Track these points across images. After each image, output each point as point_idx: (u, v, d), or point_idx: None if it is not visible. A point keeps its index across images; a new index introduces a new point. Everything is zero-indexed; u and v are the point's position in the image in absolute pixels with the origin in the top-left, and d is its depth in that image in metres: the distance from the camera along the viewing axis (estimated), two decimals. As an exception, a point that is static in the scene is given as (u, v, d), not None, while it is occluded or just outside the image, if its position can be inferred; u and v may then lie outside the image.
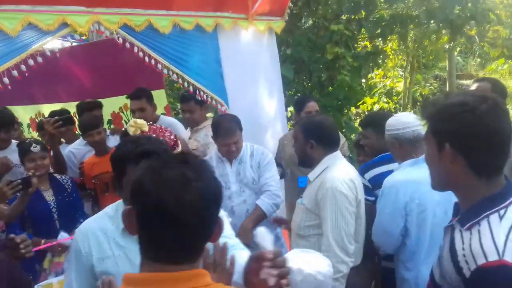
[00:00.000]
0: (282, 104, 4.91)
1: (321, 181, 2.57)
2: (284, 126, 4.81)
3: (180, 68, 3.80)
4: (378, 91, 13.41)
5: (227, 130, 3.21)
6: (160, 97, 4.93)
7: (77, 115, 4.43)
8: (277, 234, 3.36)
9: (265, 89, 4.57)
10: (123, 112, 5.20)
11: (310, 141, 2.65)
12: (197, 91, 3.94)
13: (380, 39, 6.71)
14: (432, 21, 6.52)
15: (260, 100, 4.50)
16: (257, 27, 4.39)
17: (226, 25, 4.08)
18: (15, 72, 2.88)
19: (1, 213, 3.10)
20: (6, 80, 2.84)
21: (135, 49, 3.52)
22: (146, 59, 3.59)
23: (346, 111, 6.61)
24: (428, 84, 15.97)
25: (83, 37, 6.30)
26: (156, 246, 1.11)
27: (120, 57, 4.91)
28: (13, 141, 3.95)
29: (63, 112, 4.32)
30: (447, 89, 13.52)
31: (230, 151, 3.24)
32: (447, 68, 13.75)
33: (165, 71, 3.75)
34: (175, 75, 3.79)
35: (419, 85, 15.19)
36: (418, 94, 15.00)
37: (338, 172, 2.58)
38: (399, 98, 13.94)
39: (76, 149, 4.16)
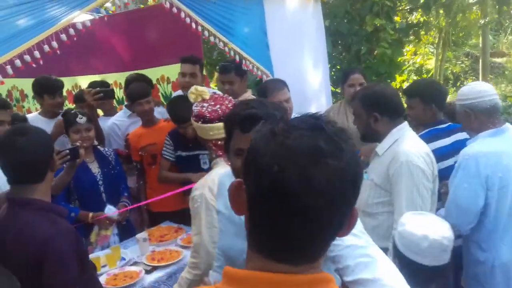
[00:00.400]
0: (327, 76, 4.70)
1: (393, 155, 2.34)
2: (329, 99, 4.60)
3: (227, 36, 3.61)
4: (408, 69, 12.99)
5: (277, 86, 3.02)
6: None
7: (122, 87, 4.27)
8: None
9: (310, 60, 4.35)
10: (159, 84, 5.03)
11: (373, 114, 2.40)
12: (243, 60, 3.75)
13: (419, 11, 6.38)
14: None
15: (305, 72, 4.29)
16: (304, -7, 4.16)
17: (273, -11, 3.86)
18: (46, 47, 2.73)
19: None
20: (37, 54, 2.70)
21: (182, 15, 3.35)
22: (193, 25, 3.42)
23: (387, 85, 6.33)
24: (459, 62, 15.46)
25: (110, 12, 6.11)
26: (268, 237, 0.82)
27: (157, 27, 4.76)
28: None
29: (104, 84, 4.18)
30: (480, 67, 13.01)
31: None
32: (480, 45, 13.22)
33: (211, 38, 3.56)
34: (221, 43, 3.60)
35: (450, 63, 14.68)
36: (450, 72, 14.53)
37: (411, 145, 2.35)
38: (429, 75, 13.50)
39: (119, 121, 4.04)
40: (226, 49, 3.66)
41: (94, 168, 3.40)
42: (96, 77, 5.09)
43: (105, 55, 5.20)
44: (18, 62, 2.63)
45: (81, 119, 3.27)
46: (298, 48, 4.23)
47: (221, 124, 2.01)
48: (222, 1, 3.58)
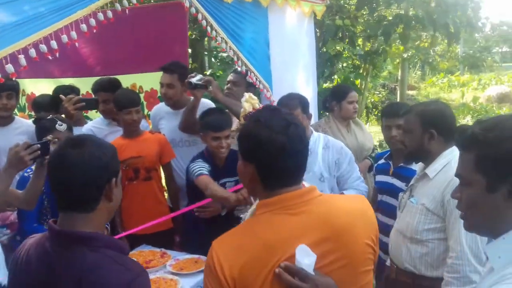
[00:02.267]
0: (316, 92, 4.63)
1: (447, 179, 2.21)
2: (316, 116, 4.51)
3: (236, 45, 3.40)
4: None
5: (289, 104, 2.79)
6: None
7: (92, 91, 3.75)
8: None
9: (303, 76, 4.27)
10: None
11: (430, 131, 2.30)
12: (249, 72, 3.55)
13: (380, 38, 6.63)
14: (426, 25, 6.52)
15: (298, 87, 4.17)
16: (303, 9, 4.07)
17: (278, 2, 3.72)
18: (64, 37, 2.32)
19: (16, 198, 2.47)
20: (54, 44, 2.28)
21: (199, 17, 3.07)
22: (208, 29, 3.17)
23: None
24: (377, 92, 16.48)
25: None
26: (277, 176, 1.37)
27: (136, 32, 4.34)
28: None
29: (74, 90, 3.70)
30: (398, 98, 13.96)
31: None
32: (399, 77, 14.22)
33: (223, 45, 3.32)
34: (232, 51, 3.37)
35: (369, 92, 15.56)
36: (369, 101, 15.39)
37: None
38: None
39: (97, 128, 3.53)
40: (235, 58, 3.43)
41: None
42: (48, 81, 4.53)
43: (66, 57, 4.60)
44: (32, 52, 2.17)
45: (61, 126, 2.80)
46: (294, 63, 4.13)
47: None
48: (235, 7, 3.36)
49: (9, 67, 2.09)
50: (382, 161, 3.08)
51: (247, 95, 2.26)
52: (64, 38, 2.29)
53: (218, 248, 1.34)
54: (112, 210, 1.53)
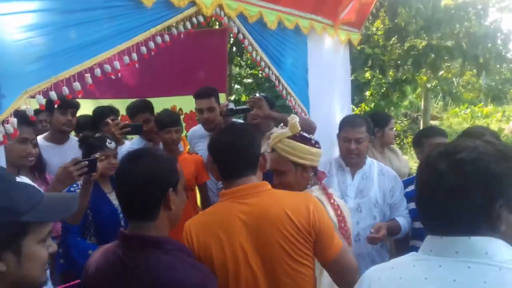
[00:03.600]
0: (350, 120, 4.70)
1: None
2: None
3: (278, 70, 3.51)
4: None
5: (352, 122, 2.91)
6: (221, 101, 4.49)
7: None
8: None
9: (338, 103, 4.34)
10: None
11: None
12: (288, 96, 3.65)
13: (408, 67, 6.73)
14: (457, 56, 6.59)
15: (334, 114, 4.26)
16: (340, 37, 4.19)
17: (318, 30, 3.84)
18: (126, 58, 2.46)
19: None
20: (117, 64, 2.41)
21: (246, 42, 3.20)
22: (254, 54, 3.29)
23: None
24: (399, 121, 16.48)
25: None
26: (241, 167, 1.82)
27: (177, 57, 4.50)
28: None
29: (113, 110, 3.83)
30: (421, 127, 13.91)
31: (349, 150, 2.87)
32: (421, 107, 14.22)
33: (266, 70, 3.43)
34: (274, 76, 3.48)
35: (392, 122, 15.45)
36: (391, 130, 15.30)
37: None
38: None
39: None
40: (277, 82, 3.54)
41: (114, 199, 3.02)
42: (88, 102, 4.68)
43: (106, 79, 4.76)
44: (98, 71, 2.30)
45: (111, 144, 2.92)
46: (330, 89, 4.22)
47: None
48: (277, 34, 3.48)
49: (76, 85, 2.22)
50: (411, 187, 3.01)
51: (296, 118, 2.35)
52: (126, 59, 2.42)
53: (188, 225, 1.77)
54: (174, 218, 1.62)
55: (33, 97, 2.09)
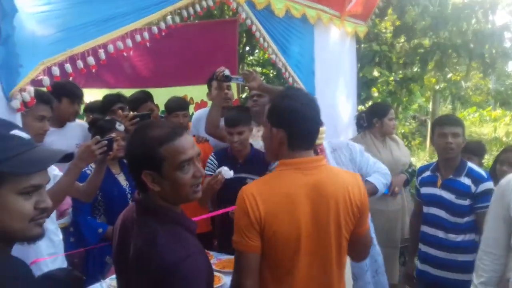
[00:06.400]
0: (355, 110, 4.76)
1: None
2: (355, 133, 4.63)
3: (285, 57, 3.59)
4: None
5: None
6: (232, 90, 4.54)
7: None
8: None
9: (343, 93, 4.42)
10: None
11: None
12: (295, 84, 3.73)
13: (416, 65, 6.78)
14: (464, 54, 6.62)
15: (338, 104, 4.33)
16: (346, 28, 4.27)
17: (324, 20, 3.92)
18: (138, 37, 2.56)
19: (76, 190, 2.67)
20: (129, 42, 2.51)
21: (254, 28, 3.29)
22: (261, 40, 3.38)
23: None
24: (407, 124, 16.46)
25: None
26: (302, 137, 1.76)
27: (187, 47, 4.61)
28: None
29: (121, 98, 3.90)
30: (429, 129, 13.90)
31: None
32: (429, 110, 14.23)
33: (273, 56, 3.52)
34: (280, 63, 3.57)
35: (399, 123, 15.55)
36: (399, 131, 15.35)
37: None
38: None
39: None
40: (283, 69, 3.62)
41: (122, 180, 3.13)
42: (102, 91, 4.78)
43: (119, 68, 4.90)
44: (110, 47, 2.41)
45: (120, 126, 3.02)
46: (336, 79, 4.29)
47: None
48: (285, 23, 3.57)
49: (90, 60, 2.32)
50: (427, 173, 3.10)
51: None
52: (138, 38, 2.52)
53: (250, 192, 1.70)
54: (174, 193, 1.54)
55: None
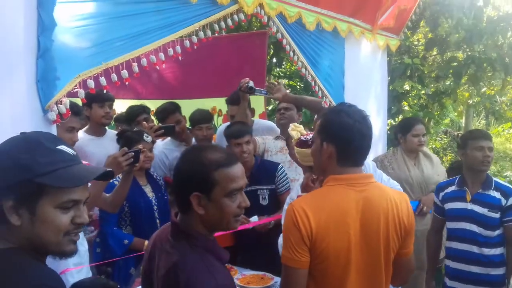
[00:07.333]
0: (385, 125, 4.70)
1: None
2: (384, 147, 4.57)
3: (315, 71, 3.58)
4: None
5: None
6: (258, 102, 4.59)
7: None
8: None
9: (374, 107, 4.36)
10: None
11: None
12: (324, 98, 3.71)
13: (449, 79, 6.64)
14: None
15: (369, 116, 4.27)
16: (378, 42, 4.23)
17: (355, 33, 3.90)
18: (170, 51, 2.59)
19: (103, 200, 2.71)
20: (162, 56, 2.54)
21: (284, 42, 3.30)
22: (291, 53, 3.38)
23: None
24: (439, 139, 16.11)
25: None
26: (355, 154, 1.77)
27: (218, 59, 4.66)
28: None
29: (145, 109, 3.95)
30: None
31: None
32: (462, 125, 13.91)
33: (302, 70, 3.51)
34: (310, 76, 3.56)
35: (431, 138, 15.22)
36: (430, 147, 15.03)
37: None
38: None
39: (168, 149, 3.82)
40: (313, 83, 3.61)
41: (149, 192, 3.17)
42: (133, 102, 4.87)
43: (150, 81, 4.99)
44: (144, 61, 2.45)
45: (148, 138, 3.07)
46: (366, 93, 4.25)
47: None
48: (316, 36, 3.56)
49: (124, 73, 2.37)
50: (452, 188, 3.09)
51: (292, 125, 2.48)
52: (170, 51, 2.56)
53: (300, 206, 1.68)
54: (213, 221, 1.53)
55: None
